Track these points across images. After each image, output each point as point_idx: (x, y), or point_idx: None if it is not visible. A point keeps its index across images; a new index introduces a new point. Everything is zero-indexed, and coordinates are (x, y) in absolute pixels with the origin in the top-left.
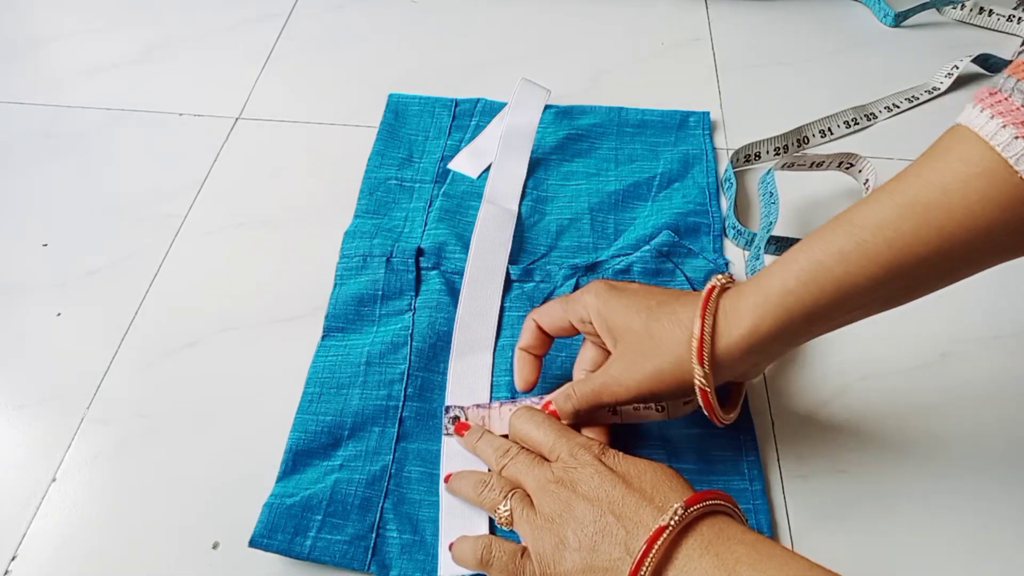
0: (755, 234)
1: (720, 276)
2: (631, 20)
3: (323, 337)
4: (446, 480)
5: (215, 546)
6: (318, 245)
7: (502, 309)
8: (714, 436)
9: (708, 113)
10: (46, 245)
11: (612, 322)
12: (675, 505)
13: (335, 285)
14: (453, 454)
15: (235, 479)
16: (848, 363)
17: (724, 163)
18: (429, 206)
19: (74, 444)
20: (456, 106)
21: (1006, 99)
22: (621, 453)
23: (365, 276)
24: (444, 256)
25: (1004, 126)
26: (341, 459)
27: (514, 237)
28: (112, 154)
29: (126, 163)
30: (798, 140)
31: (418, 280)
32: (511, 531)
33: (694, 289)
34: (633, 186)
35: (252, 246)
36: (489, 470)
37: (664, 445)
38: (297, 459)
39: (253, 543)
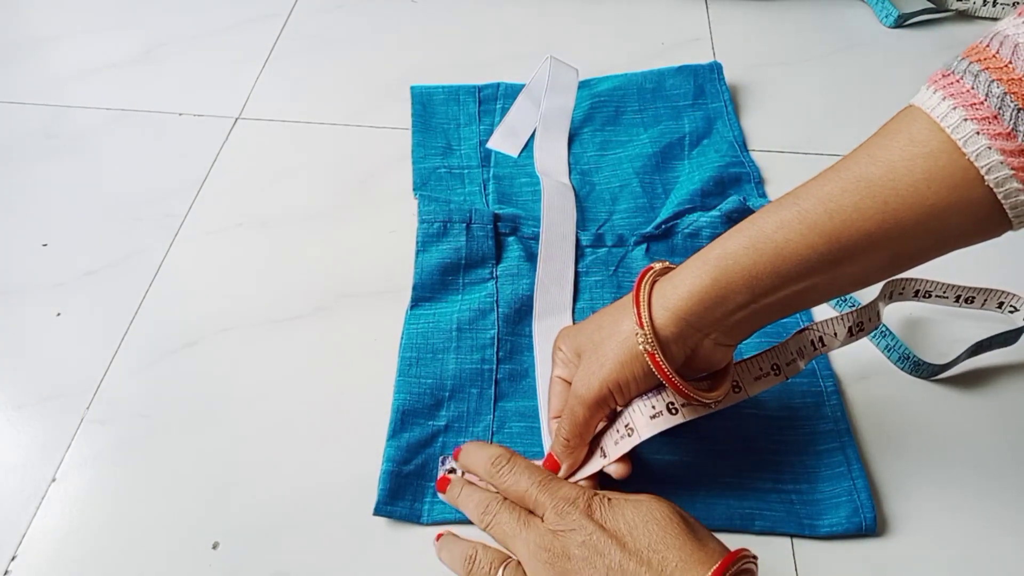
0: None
1: (659, 262)
2: (631, 20)
3: (412, 307)
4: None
5: (215, 546)
6: (318, 245)
7: (577, 274)
8: (816, 435)
9: (720, 65)
10: (46, 245)
11: (578, 343)
12: None
13: (417, 252)
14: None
15: (235, 479)
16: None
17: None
18: (484, 189)
19: (74, 444)
20: (479, 91)
21: (958, 81)
22: (609, 499)
23: (447, 243)
24: (519, 222)
25: (954, 108)
26: (445, 419)
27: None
28: (112, 154)
29: (126, 163)
30: None
31: (497, 246)
32: None
33: None
34: (667, 147)
35: (252, 246)
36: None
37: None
38: (405, 418)
39: (378, 511)
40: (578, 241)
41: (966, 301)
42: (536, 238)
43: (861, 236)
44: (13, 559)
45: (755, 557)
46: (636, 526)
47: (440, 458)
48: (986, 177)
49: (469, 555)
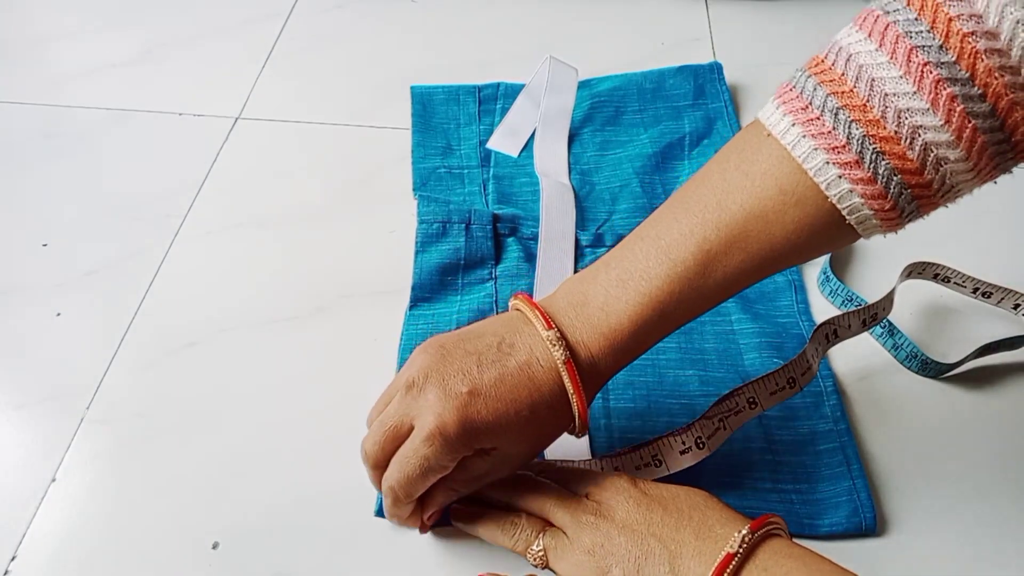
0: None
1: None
2: (631, 20)
3: (411, 307)
4: (454, 516)
5: (215, 546)
6: (318, 245)
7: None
8: (816, 435)
9: (720, 65)
10: (46, 245)
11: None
12: (742, 531)
13: (416, 252)
14: None
15: (235, 479)
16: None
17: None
18: (484, 189)
19: (74, 444)
20: (479, 91)
21: (817, 118)
22: (646, 481)
23: (446, 244)
24: (519, 223)
25: (816, 149)
26: None
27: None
28: (112, 154)
29: (126, 163)
30: None
31: (497, 247)
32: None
33: None
34: (667, 147)
35: (252, 246)
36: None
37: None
38: None
39: (380, 512)
40: (577, 241)
41: (983, 295)
42: (535, 238)
43: (739, 281)
44: (13, 559)
45: (784, 525)
46: (677, 495)
47: None
48: (848, 217)
49: (512, 522)
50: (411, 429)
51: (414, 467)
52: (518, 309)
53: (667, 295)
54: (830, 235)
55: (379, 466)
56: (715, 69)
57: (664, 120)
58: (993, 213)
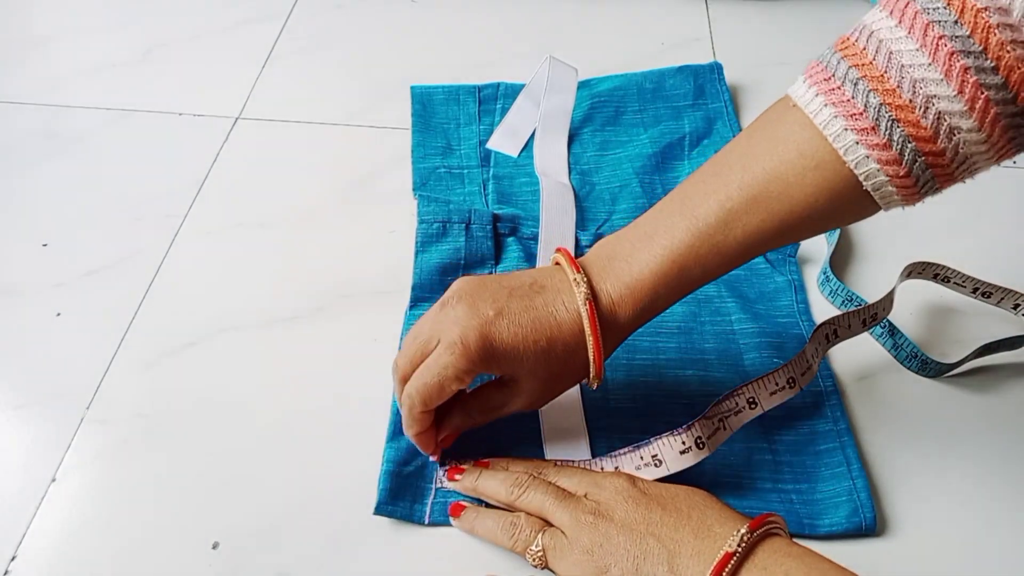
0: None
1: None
2: (631, 20)
3: (411, 307)
4: (453, 514)
5: (215, 546)
6: (318, 245)
7: None
8: (815, 434)
9: (720, 65)
10: (46, 245)
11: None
12: (741, 530)
13: (416, 252)
14: (550, 411)
15: (235, 479)
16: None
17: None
18: (483, 189)
19: (74, 444)
20: (479, 91)
21: (838, 88)
22: (645, 480)
23: (446, 244)
24: (519, 222)
25: (836, 116)
26: None
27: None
28: (112, 154)
29: (126, 163)
30: None
31: (497, 247)
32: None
33: (764, 256)
34: (667, 147)
35: (252, 246)
36: (488, 505)
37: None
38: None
39: (379, 511)
40: (578, 241)
41: (983, 295)
42: (535, 238)
43: (760, 244)
44: (13, 559)
45: (784, 524)
46: (676, 494)
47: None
48: (864, 183)
49: (511, 522)
50: (439, 344)
51: (433, 375)
52: (557, 262)
53: (687, 249)
54: (848, 202)
55: (406, 379)
56: (715, 69)
57: (664, 120)
58: (993, 213)
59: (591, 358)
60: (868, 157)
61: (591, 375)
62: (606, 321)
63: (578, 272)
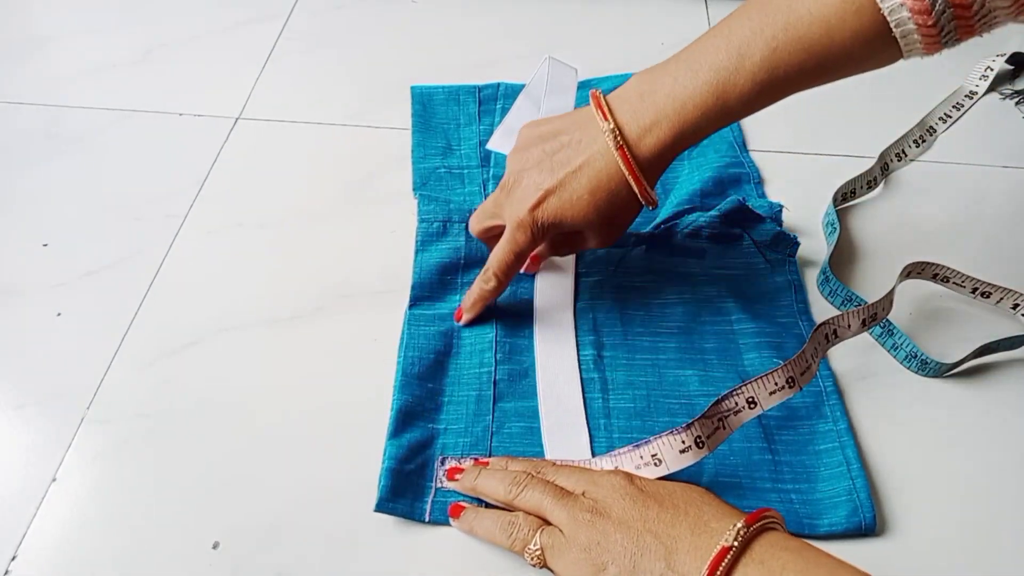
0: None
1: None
2: (631, 20)
3: (411, 307)
4: (453, 515)
5: (215, 546)
6: (318, 245)
7: (577, 274)
8: (815, 434)
9: None
10: (46, 245)
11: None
12: (737, 525)
13: (416, 251)
14: (550, 410)
15: (235, 479)
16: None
17: None
18: (483, 189)
19: (74, 444)
20: (479, 91)
21: None
22: (643, 478)
23: (446, 243)
24: None
25: None
26: (444, 423)
27: None
28: (112, 154)
29: (126, 163)
30: (882, 168)
31: None
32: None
33: (764, 256)
34: None
35: (252, 246)
36: (487, 505)
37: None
38: (405, 419)
39: (379, 507)
40: None
41: (982, 295)
42: None
43: (795, 83)
44: (13, 559)
45: (781, 519)
46: (673, 491)
47: (439, 459)
48: (894, 30)
49: (510, 521)
50: (503, 223)
51: (507, 252)
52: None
53: (731, 87)
54: (877, 48)
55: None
56: None
57: None
58: (993, 213)
59: (637, 192)
60: (902, 5)
61: (644, 201)
62: (643, 158)
63: (606, 120)
